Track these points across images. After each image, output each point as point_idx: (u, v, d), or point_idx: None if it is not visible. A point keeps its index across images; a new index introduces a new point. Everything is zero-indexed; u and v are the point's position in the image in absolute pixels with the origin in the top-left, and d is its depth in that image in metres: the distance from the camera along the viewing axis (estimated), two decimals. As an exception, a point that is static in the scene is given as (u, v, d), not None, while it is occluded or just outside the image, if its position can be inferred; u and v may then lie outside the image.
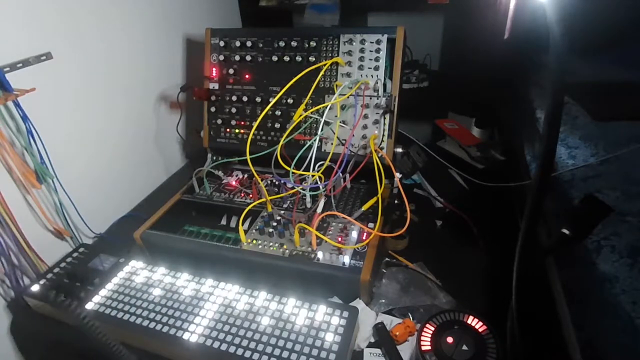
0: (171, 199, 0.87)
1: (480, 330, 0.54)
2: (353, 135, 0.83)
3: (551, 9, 0.24)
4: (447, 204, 0.90)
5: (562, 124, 0.78)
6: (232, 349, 0.57)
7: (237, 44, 0.91)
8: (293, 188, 0.80)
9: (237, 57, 0.92)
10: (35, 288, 0.71)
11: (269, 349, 0.57)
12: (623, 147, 0.66)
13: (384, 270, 0.74)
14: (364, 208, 0.75)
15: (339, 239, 0.71)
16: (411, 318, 0.64)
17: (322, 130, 0.83)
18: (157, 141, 1.08)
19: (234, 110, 0.93)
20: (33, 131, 0.73)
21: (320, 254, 0.68)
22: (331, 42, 0.86)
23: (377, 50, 0.83)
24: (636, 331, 0.41)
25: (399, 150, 0.85)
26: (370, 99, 0.83)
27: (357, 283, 0.64)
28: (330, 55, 0.86)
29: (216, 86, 0.95)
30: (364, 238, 0.70)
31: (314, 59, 0.87)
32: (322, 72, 0.86)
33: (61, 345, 0.67)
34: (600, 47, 0.93)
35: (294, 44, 0.87)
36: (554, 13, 0.23)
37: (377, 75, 0.83)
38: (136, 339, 0.63)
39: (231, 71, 0.92)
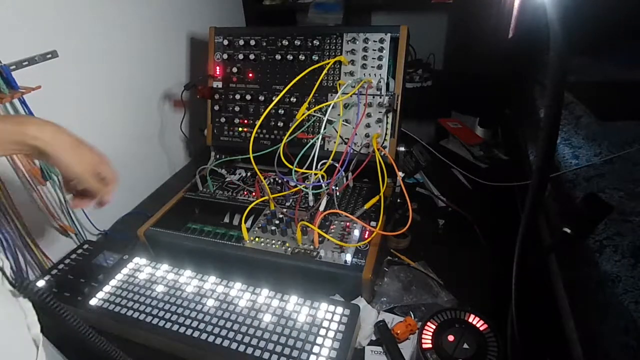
0: (175, 196, 0.88)
1: (481, 328, 0.54)
2: (356, 134, 0.83)
3: (551, 8, 0.24)
4: (449, 203, 0.89)
5: (566, 123, 0.78)
6: (234, 346, 0.58)
7: (241, 42, 0.92)
8: (296, 186, 0.80)
9: (241, 56, 0.93)
10: (40, 284, 0.72)
11: (270, 346, 0.57)
12: (627, 147, 0.66)
13: (386, 269, 0.74)
14: (366, 207, 0.75)
15: (341, 237, 0.71)
16: (412, 316, 0.65)
17: (324, 128, 0.83)
18: (160, 139, 1.09)
19: (237, 108, 0.94)
20: (38, 128, 0.74)
21: (322, 252, 0.68)
22: (334, 41, 0.86)
23: (381, 49, 0.83)
24: (638, 331, 0.41)
25: (402, 149, 0.85)
26: (373, 97, 0.83)
27: (359, 281, 0.64)
28: (333, 54, 0.86)
29: (220, 85, 0.96)
30: (366, 236, 0.70)
31: (317, 58, 0.87)
32: (325, 71, 0.86)
33: (68, 341, 0.67)
34: (604, 46, 0.92)
35: (297, 42, 0.88)
36: (554, 11, 0.23)
37: (380, 74, 0.83)
38: (139, 334, 0.63)
39: (235, 70, 0.93)
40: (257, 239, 0.73)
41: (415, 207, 0.84)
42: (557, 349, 0.57)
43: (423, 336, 0.54)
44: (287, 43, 0.89)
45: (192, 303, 0.65)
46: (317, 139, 0.82)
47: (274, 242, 0.72)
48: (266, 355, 0.56)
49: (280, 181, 0.86)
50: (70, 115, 0.82)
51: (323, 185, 0.78)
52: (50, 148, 0.46)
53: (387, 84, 0.83)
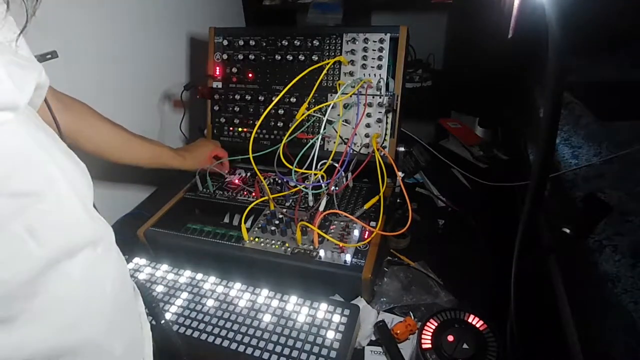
0: (174, 197, 0.88)
1: (481, 329, 0.54)
2: (355, 134, 0.83)
3: (550, 7, 0.24)
4: (449, 203, 0.89)
5: (566, 123, 0.78)
6: (233, 346, 0.58)
7: (241, 43, 0.92)
8: (295, 186, 0.80)
9: (241, 56, 0.93)
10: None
11: (270, 346, 0.57)
12: (626, 147, 0.66)
13: (386, 269, 0.74)
14: (366, 207, 0.75)
15: (341, 237, 0.71)
16: (412, 316, 0.64)
17: (324, 129, 0.83)
18: (160, 139, 1.08)
19: (237, 109, 0.94)
20: (38, 129, 0.74)
21: (322, 252, 0.68)
22: (334, 41, 0.86)
23: (380, 49, 0.83)
24: (638, 331, 0.41)
25: (402, 149, 0.85)
26: (373, 97, 0.83)
27: (359, 281, 0.64)
28: (333, 54, 0.86)
29: (220, 85, 0.96)
30: (365, 236, 0.70)
31: (317, 58, 0.87)
32: (324, 71, 0.86)
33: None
34: (605, 47, 0.92)
35: (297, 43, 0.88)
36: (553, 11, 0.23)
37: (380, 74, 0.83)
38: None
39: (234, 70, 0.93)
40: (256, 239, 0.73)
41: (415, 207, 0.83)
42: (557, 349, 0.57)
43: (423, 336, 0.54)
44: (286, 43, 0.89)
45: (192, 303, 0.65)
46: (317, 139, 0.82)
47: (273, 242, 0.72)
48: (266, 355, 0.56)
49: (280, 181, 0.86)
50: (70, 116, 0.82)
51: (323, 185, 0.78)
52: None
53: (387, 84, 0.83)
